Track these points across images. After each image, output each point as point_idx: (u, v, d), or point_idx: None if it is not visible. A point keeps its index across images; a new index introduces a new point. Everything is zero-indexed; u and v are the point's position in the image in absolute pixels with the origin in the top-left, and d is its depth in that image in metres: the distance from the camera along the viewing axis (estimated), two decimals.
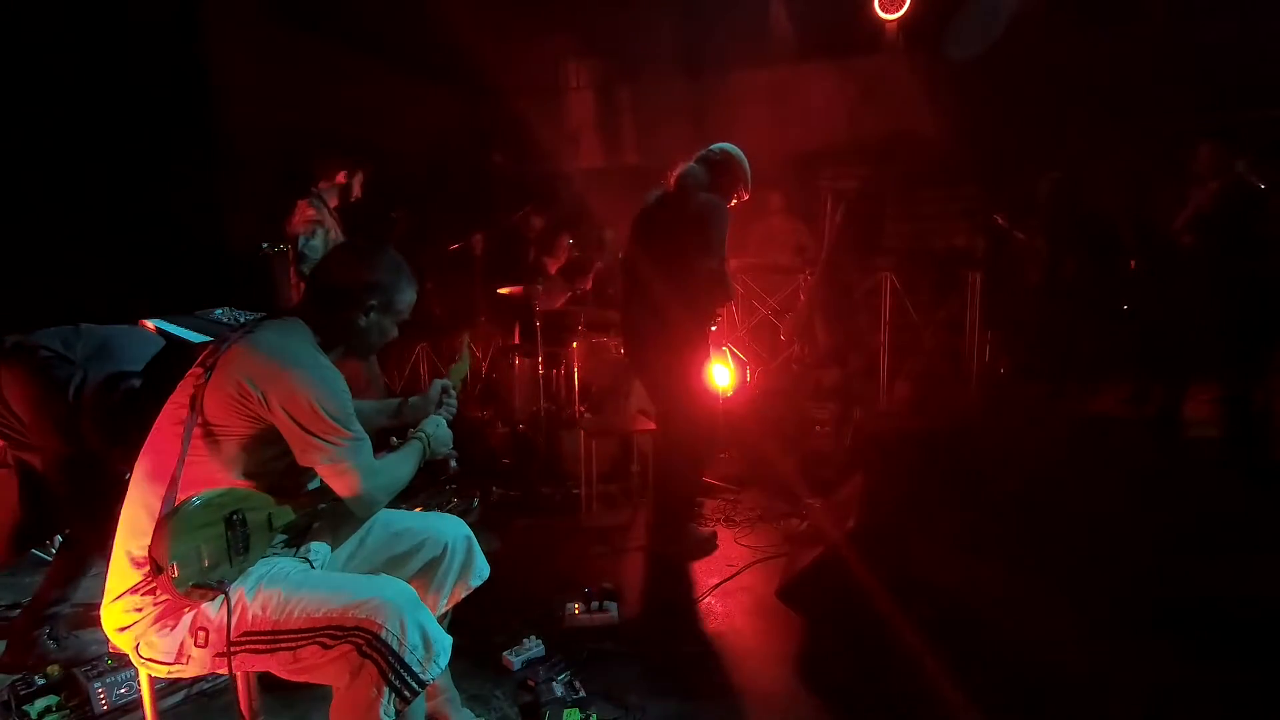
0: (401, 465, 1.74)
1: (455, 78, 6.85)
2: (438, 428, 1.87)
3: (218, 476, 1.54)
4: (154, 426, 1.60)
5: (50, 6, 3.89)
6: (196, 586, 1.45)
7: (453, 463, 1.96)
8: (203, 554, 1.46)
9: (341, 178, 3.98)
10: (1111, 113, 5.91)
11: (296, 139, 4.75)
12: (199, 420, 1.53)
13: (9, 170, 3.62)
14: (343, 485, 1.60)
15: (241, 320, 2.41)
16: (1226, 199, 4.17)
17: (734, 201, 3.27)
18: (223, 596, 1.47)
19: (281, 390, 1.53)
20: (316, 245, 3.82)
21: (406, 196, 5.20)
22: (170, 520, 1.44)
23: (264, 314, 1.80)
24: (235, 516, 1.51)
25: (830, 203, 5.18)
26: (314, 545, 1.74)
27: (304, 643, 1.47)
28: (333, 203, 4.00)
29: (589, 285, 5.38)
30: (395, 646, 1.45)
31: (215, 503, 1.49)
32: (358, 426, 1.62)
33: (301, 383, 1.54)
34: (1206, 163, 4.28)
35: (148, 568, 1.47)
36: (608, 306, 4.77)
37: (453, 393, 1.99)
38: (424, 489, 4.00)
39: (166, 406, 1.61)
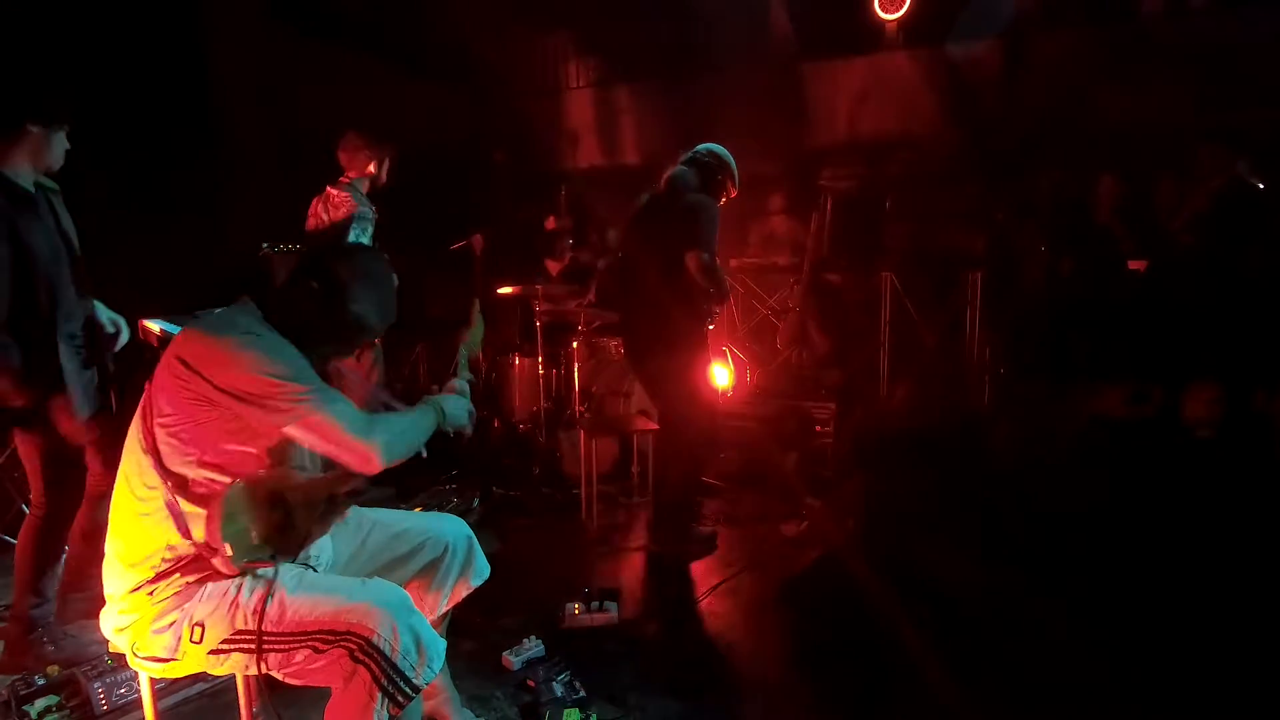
0: (408, 420, 1.66)
1: (456, 77, 6.85)
2: (453, 404, 1.78)
3: (190, 473, 1.51)
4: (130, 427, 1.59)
5: (52, 7, 3.90)
6: (251, 562, 1.51)
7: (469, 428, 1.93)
8: (251, 532, 1.51)
9: (372, 168, 3.82)
10: (1112, 113, 5.91)
11: (297, 139, 4.75)
12: (155, 419, 1.50)
13: None
14: (329, 440, 1.51)
15: None
16: (1225, 199, 4.17)
17: (723, 200, 3.30)
18: (243, 583, 1.52)
19: (216, 362, 1.47)
20: (365, 242, 3.69)
21: (404, 195, 5.19)
22: (219, 504, 1.47)
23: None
24: (276, 497, 1.53)
25: (825, 204, 5.19)
26: (320, 545, 1.73)
27: (296, 646, 1.47)
28: (366, 190, 3.84)
29: (589, 286, 5.38)
30: (388, 651, 1.45)
31: (252, 487, 1.52)
32: (314, 379, 1.52)
33: (233, 349, 1.47)
34: (1206, 163, 4.28)
35: (144, 568, 1.49)
36: (607, 307, 4.78)
37: (465, 363, 1.95)
38: (424, 489, 4.01)
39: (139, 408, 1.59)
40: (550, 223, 5.83)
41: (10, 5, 3.73)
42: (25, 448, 2.41)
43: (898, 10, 6.23)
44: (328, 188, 3.77)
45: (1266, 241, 4.14)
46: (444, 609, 1.87)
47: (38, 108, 2.28)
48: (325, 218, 3.74)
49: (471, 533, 1.93)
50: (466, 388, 1.86)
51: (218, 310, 1.66)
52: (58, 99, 2.35)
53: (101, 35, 4.08)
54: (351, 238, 3.63)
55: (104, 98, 4.02)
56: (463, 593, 1.89)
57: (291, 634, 1.47)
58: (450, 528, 1.90)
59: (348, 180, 3.80)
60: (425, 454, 1.75)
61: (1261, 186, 4.12)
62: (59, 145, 2.36)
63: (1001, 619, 2.66)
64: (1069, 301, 5.42)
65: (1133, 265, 5.17)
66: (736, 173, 3.32)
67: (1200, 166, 4.31)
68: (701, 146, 3.31)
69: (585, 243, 5.81)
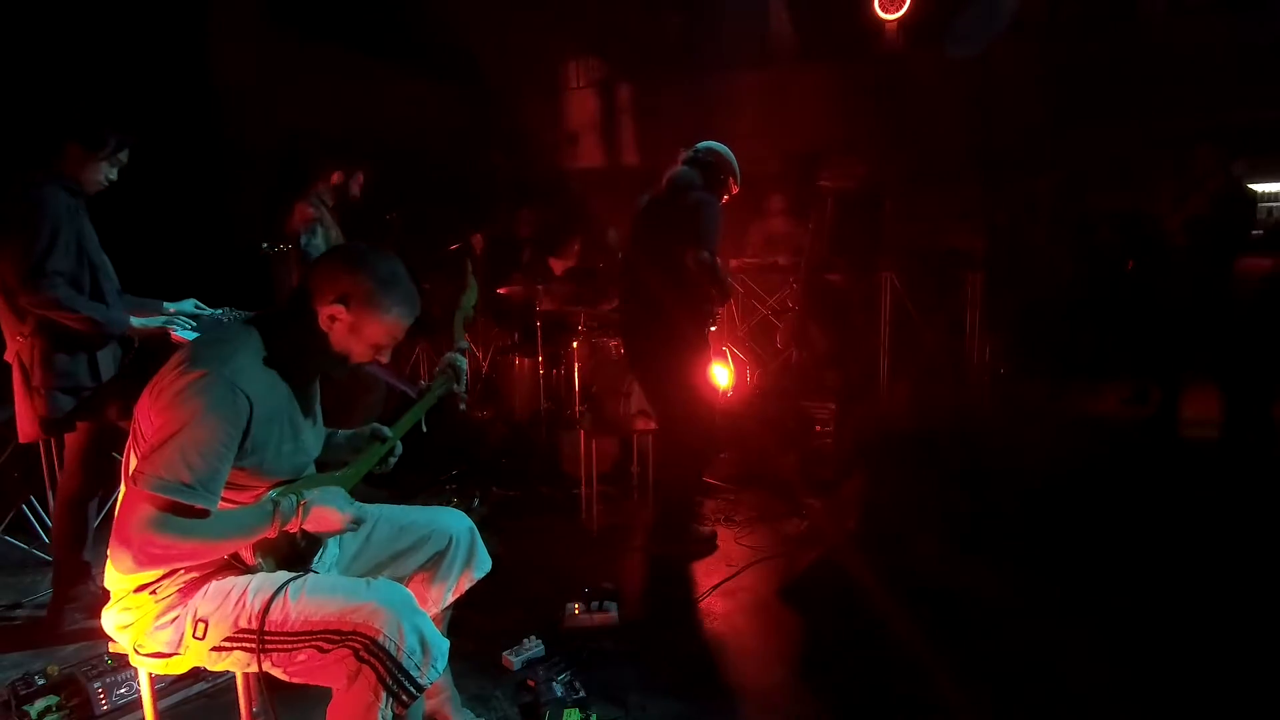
0: (221, 533, 1.45)
1: (455, 77, 6.85)
2: (324, 501, 1.56)
3: None
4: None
5: (55, 8, 3.90)
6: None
7: (462, 405, 1.96)
8: (280, 544, 1.55)
9: (336, 178, 3.93)
10: (1111, 113, 5.92)
11: (297, 139, 4.75)
12: (140, 441, 1.47)
13: (13, 172, 3.63)
14: (125, 517, 1.37)
15: None
16: (1220, 201, 4.18)
17: (725, 198, 3.30)
18: (248, 582, 1.53)
19: (166, 393, 1.42)
20: (319, 244, 3.78)
21: (405, 196, 5.20)
22: None
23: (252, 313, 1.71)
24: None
25: (826, 204, 5.20)
26: (327, 545, 1.73)
27: (300, 645, 1.47)
28: (330, 202, 3.97)
29: (589, 286, 5.38)
30: (393, 651, 1.45)
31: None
32: (202, 484, 1.38)
33: (181, 396, 1.39)
34: (1202, 164, 4.29)
35: (143, 574, 1.47)
36: (608, 307, 4.78)
37: (461, 330, 1.96)
38: (425, 489, 4.00)
39: None
40: (530, 219, 5.83)
41: (18, 7, 3.74)
42: (90, 429, 2.54)
43: (898, 10, 6.24)
44: (294, 201, 3.84)
45: (1260, 243, 4.15)
46: (448, 601, 1.87)
47: (116, 137, 2.49)
48: (297, 227, 3.81)
49: (473, 525, 1.93)
50: (464, 360, 1.87)
51: (222, 329, 1.64)
52: (128, 134, 2.53)
53: (102, 35, 4.08)
54: (302, 243, 3.73)
55: (104, 98, 4.03)
56: (465, 585, 1.90)
57: (296, 634, 1.47)
58: (453, 520, 1.90)
59: (314, 191, 3.87)
60: (425, 429, 1.77)
61: (1254, 189, 4.12)
62: (107, 173, 2.53)
63: (1002, 619, 2.66)
64: (1069, 301, 5.43)
65: (1131, 265, 5.19)
66: (738, 168, 3.31)
67: (1197, 167, 4.32)
68: (701, 145, 3.28)
69: (585, 242, 5.78)
